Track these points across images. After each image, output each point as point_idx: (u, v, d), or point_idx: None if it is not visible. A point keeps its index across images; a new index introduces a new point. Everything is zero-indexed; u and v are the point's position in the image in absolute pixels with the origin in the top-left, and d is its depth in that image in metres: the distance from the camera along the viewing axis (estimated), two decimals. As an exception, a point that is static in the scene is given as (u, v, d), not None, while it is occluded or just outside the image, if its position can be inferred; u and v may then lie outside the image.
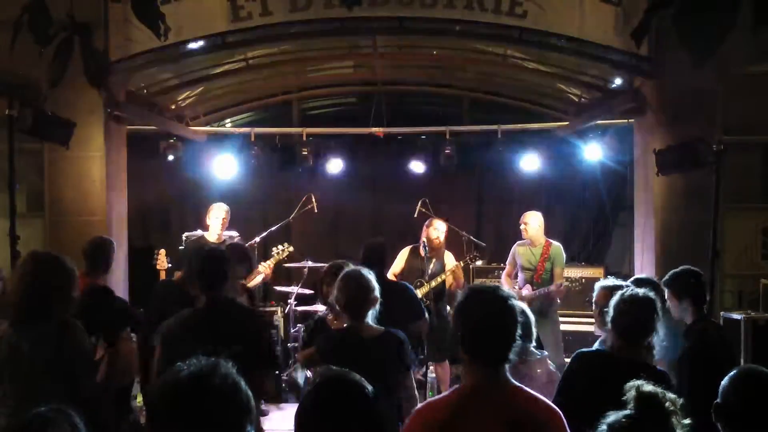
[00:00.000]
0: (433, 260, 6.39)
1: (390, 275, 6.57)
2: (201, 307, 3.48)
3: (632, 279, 4.38)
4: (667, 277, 3.99)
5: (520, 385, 2.30)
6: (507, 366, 2.29)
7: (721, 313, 6.15)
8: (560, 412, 2.27)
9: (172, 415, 1.63)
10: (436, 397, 2.44)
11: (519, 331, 2.29)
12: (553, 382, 3.53)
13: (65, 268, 3.08)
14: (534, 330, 3.65)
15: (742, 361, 5.73)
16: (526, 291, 6.45)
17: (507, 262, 6.84)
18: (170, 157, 7.95)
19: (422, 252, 6.34)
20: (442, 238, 6.47)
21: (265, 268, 5.98)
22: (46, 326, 2.94)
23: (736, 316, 6.07)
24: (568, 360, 6.90)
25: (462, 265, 6.47)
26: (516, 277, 6.79)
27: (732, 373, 2.47)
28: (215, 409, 1.63)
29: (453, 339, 2.29)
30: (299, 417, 1.85)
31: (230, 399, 1.66)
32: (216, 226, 6.24)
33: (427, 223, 6.59)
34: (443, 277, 6.39)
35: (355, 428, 1.79)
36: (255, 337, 3.42)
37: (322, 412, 1.81)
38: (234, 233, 6.69)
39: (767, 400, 2.38)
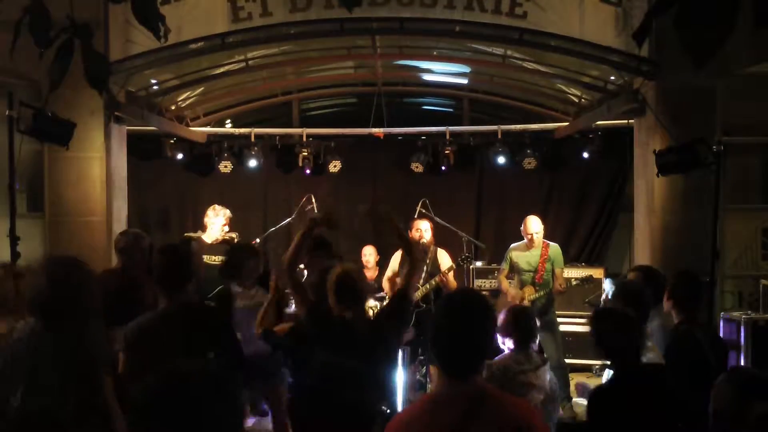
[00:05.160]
0: (427, 261, 6.34)
1: (385, 280, 6.56)
2: (163, 312, 3.35)
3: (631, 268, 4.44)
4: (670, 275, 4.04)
5: (493, 389, 2.23)
6: (477, 373, 2.21)
7: (721, 313, 6.15)
8: (540, 415, 2.22)
9: (160, 417, 1.63)
10: (405, 408, 2.39)
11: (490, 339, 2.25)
12: (552, 390, 3.55)
13: (92, 274, 3.08)
14: (537, 334, 3.68)
15: (742, 361, 5.74)
16: (528, 293, 6.44)
17: (503, 265, 6.81)
18: (170, 158, 7.96)
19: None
20: (427, 236, 6.39)
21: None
22: (72, 328, 2.93)
23: (736, 316, 6.07)
24: (568, 360, 6.94)
25: (454, 267, 6.35)
26: (511, 278, 6.77)
27: (721, 376, 2.48)
28: (206, 409, 1.63)
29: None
30: (290, 407, 1.86)
31: (221, 399, 1.66)
32: (215, 230, 6.22)
33: (409, 225, 6.51)
34: (437, 280, 6.25)
35: (346, 415, 1.80)
36: (221, 340, 3.32)
37: (311, 401, 1.82)
38: (233, 234, 6.68)
39: (760, 399, 2.39)
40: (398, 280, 3.82)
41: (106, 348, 3.11)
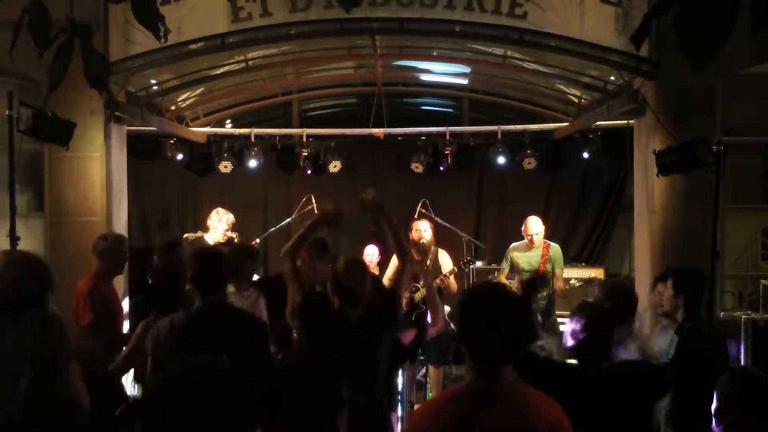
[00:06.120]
0: (427, 262, 6.34)
1: (385, 281, 6.56)
2: (195, 312, 3.41)
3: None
4: (673, 270, 4.04)
5: (524, 386, 2.19)
6: (509, 366, 2.18)
7: (721, 313, 6.14)
8: (566, 418, 2.14)
9: (168, 415, 1.64)
10: (434, 398, 2.41)
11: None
12: None
13: (41, 265, 3.09)
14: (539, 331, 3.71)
15: (742, 362, 5.74)
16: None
17: (503, 265, 6.81)
18: (170, 158, 7.97)
19: (414, 255, 6.34)
20: (427, 236, 6.38)
21: None
22: (27, 323, 2.94)
23: (736, 316, 6.07)
24: (568, 361, 6.95)
25: (456, 270, 6.37)
26: (511, 279, 6.77)
27: (724, 376, 2.49)
28: (212, 409, 1.65)
29: (453, 337, 2.26)
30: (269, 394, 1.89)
31: (227, 400, 1.68)
32: (217, 234, 6.29)
33: (409, 226, 6.54)
34: (437, 282, 6.24)
35: (312, 401, 1.83)
36: (250, 344, 3.32)
37: (285, 385, 1.85)
38: (233, 234, 6.70)
39: (762, 399, 2.40)
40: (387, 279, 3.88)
41: (69, 338, 3.13)
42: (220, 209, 6.50)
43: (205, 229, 6.56)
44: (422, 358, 6.30)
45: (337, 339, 3.36)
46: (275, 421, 1.86)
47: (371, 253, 7.45)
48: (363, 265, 3.67)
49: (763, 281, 6.29)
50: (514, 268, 6.67)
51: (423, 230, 6.40)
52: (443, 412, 2.13)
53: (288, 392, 1.85)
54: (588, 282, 6.70)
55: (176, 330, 3.33)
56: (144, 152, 8.14)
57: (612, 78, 6.80)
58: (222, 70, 7.27)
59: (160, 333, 3.37)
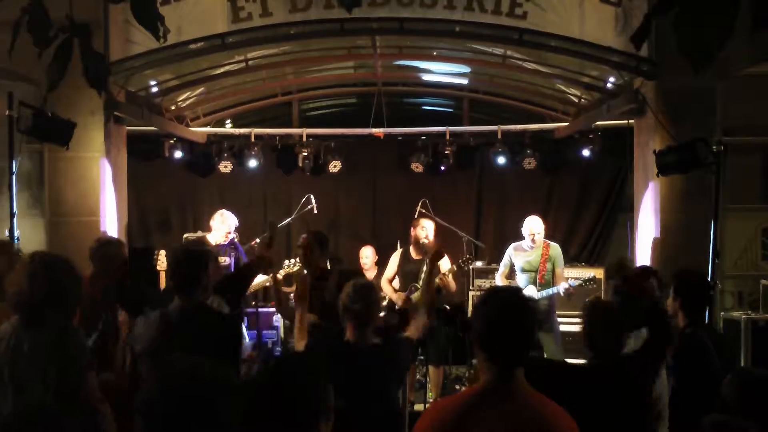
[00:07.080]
0: (427, 261, 6.34)
1: (383, 281, 6.57)
2: (169, 311, 3.35)
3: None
4: (674, 272, 4.02)
5: (535, 391, 2.20)
6: (522, 368, 2.20)
7: (721, 313, 6.15)
8: (573, 420, 2.17)
9: (164, 416, 1.64)
10: (448, 396, 2.40)
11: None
12: None
13: (75, 271, 3.08)
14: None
15: (742, 361, 5.74)
16: (530, 292, 6.42)
17: (502, 264, 6.82)
18: (170, 158, 7.97)
19: (414, 254, 6.36)
20: (431, 236, 6.41)
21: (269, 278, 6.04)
22: (51, 327, 2.93)
23: (736, 316, 6.08)
24: (568, 360, 6.95)
25: (455, 268, 6.37)
26: (510, 278, 6.76)
27: (727, 378, 2.48)
28: (207, 409, 1.65)
29: (470, 337, 2.26)
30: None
31: (222, 399, 1.68)
32: (219, 235, 6.32)
33: (413, 223, 6.55)
34: (437, 281, 6.28)
35: (287, 409, 1.84)
36: (221, 346, 3.24)
37: (264, 392, 1.86)
38: (232, 234, 6.71)
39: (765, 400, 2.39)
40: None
41: (86, 345, 3.11)
42: (224, 211, 6.54)
43: (207, 230, 6.60)
44: (422, 358, 6.30)
45: (350, 366, 3.33)
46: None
47: (366, 255, 7.46)
48: (370, 288, 3.57)
49: (763, 281, 6.30)
50: (514, 268, 6.66)
51: (429, 229, 6.42)
52: (458, 411, 2.14)
53: (266, 396, 1.85)
54: (588, 281, 6.68)
55: (150, 327, 3.28)
56: (144, 152, 8.14)
57: (612, 78, 6.80)
58: (222, 70, 7.27)
59: (136, 327, 3.34)
